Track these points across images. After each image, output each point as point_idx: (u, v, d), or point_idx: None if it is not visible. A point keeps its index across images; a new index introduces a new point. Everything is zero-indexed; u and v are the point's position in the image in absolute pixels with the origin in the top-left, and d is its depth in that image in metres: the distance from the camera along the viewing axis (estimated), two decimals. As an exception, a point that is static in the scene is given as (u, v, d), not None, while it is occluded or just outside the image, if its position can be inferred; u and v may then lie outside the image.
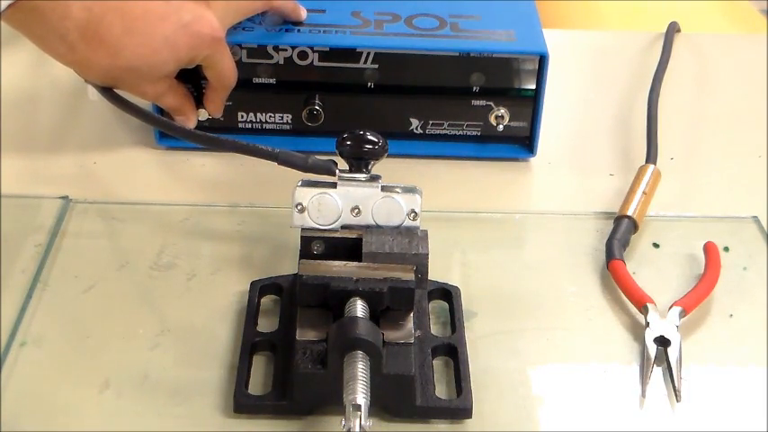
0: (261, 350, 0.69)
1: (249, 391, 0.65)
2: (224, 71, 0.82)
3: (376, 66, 0.87)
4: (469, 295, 0.74)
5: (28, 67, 1.00)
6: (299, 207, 0.70)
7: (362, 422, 0.58)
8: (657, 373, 0.68)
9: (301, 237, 0.70)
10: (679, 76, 1.04)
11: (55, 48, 0.75)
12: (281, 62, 0.87)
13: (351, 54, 0.86)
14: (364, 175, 0.70)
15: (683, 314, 0.71)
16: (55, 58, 0.77)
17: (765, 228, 0.82)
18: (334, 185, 0.70)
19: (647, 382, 0.67)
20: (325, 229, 0.70)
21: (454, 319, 0.71)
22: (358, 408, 0.58)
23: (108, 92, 0.79)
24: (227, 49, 0.81)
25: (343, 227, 0.70)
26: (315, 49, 0.86)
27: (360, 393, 0.59)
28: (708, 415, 0.66)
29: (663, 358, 0.69)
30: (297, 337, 0.65)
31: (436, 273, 0.72)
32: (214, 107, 0.85)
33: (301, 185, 0.70)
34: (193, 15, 0.78)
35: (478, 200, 0.85)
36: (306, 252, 0.70)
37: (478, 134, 0.90)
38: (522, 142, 0.90)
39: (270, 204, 0.82)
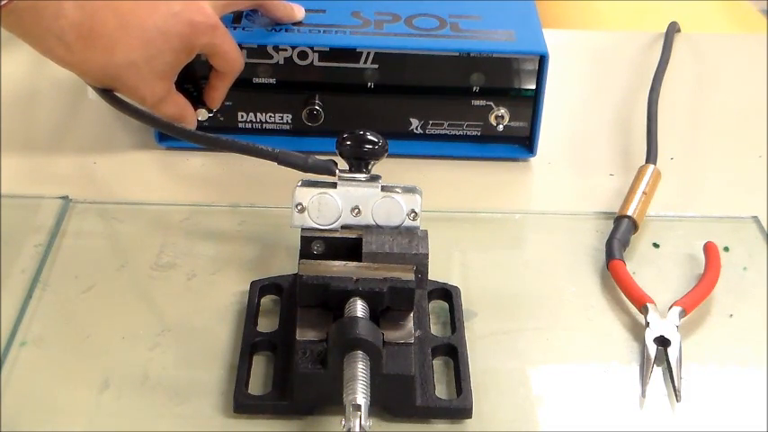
0: (261, 350, 0.69)
1: (249, 391, 0.65)
2: (229, 55, 0.82)
3: (376, 66, 0.87)
4: (469, 295, 0.73)
5: (28, 67, 1.00)
6: (299, 207, 0.70)
7: (362, 422, 0.58)
8: (657, 373, 0.68)
9: (301, 237, 0.70)
10: (679, 76, 1.04)
11: (53, 50, 0.75)
12: (281, 62, 0.87)
13: (351, 54, 0.86)
14: (364, 175, 0.70)
15: (682, 314, 0.71)
16: (54, 61, 0.77)
17: (765, 228, 0.82)
18: (334, 185, 0.70)
19: (647, 382, 0.67)
20: (325, 229, 0.70)
21: (454, 319, 0.71)
22: (358, 408, 0.58)
23: (107, 94, 0.79)
24: (227, 33, 0.81)
25: (344, 227, 0.70)
26: (315, 49, 0.86)
27: (360, 393, 0.59)
28: (708, 415, 0.66)
29: (663, 358, 0.69)
30: (297, 337, 0.65)
31: (436, 273, 0.72)
32: (217, 96, 0.84)
33: (301, 185, 0.70)
34: (184, 4, 0.78)
35: (478, 200, 0.85)
36: (306, 252, 0.70)
37: (478, 134, 0.90)
38: (522, 142, 0.90)
39: (270, 204, 0.82)
